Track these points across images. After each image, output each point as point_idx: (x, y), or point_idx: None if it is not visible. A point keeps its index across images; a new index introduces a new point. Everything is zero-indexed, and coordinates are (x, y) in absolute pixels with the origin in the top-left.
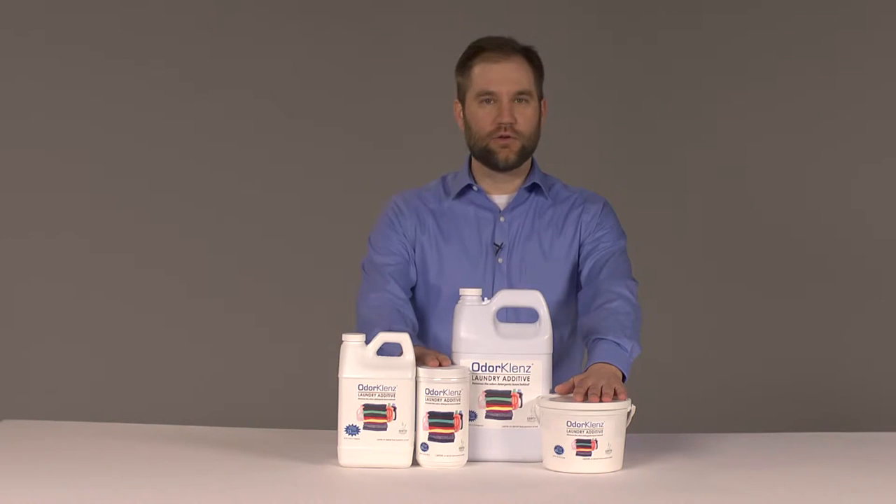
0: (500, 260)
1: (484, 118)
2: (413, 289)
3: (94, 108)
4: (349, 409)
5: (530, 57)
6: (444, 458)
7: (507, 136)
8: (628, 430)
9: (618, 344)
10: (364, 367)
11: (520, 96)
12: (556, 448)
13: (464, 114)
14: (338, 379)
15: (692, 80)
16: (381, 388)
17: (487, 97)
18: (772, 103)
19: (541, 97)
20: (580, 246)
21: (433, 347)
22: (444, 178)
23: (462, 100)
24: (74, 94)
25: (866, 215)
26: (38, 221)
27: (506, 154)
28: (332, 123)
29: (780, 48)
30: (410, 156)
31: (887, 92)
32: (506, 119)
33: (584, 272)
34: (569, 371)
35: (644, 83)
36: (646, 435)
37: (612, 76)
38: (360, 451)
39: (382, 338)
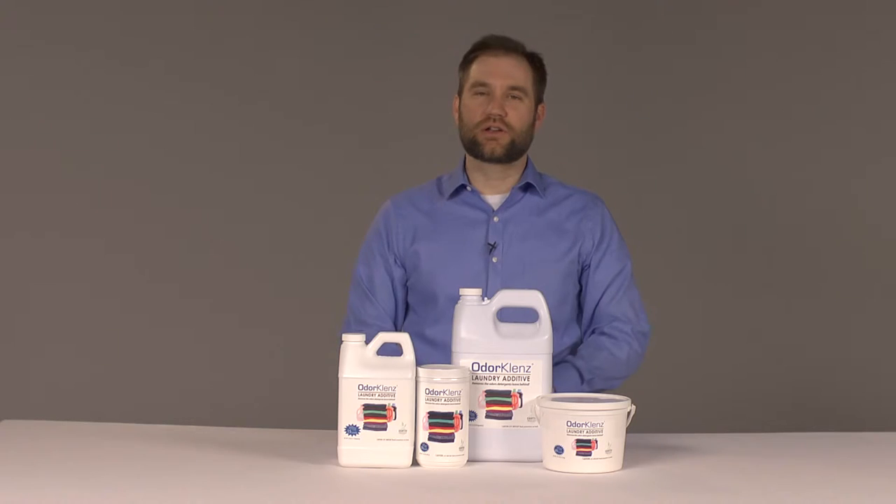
0: (494, 259)
1: (475, 109)
2: (407, 290)
3: (93, 108)
4: (349, 409)
5: (532, 59)
6: (444, 458)
7: (496, 130)
8: (628, 430)
9: (578, 372)
10: (364, 367)
11: (513, 91)
12: (556, 448)
13: (459, 107)
14: (338, 379)
15: (692, 80)
16: (381, 388)
17: (481, 89)
18: (772, 104)
19: (539, 101)
20: (579, 255)
21: (429, 349)
22: (439, 179)
23: (460, 94)
24: (74, 94)
25: (867, 215)
26: (36, 222)
27: (492, 147)
28: (330, 124)
29: (781, 48)
30: (409, 156)
31: (888, 92)
32: (495, 110)
33: (588, 299)
34: (565, 370)
35: (644, 84)
36: (646, 435)
37: (612, 77)
38: (360, 451)
39: (382, 338)
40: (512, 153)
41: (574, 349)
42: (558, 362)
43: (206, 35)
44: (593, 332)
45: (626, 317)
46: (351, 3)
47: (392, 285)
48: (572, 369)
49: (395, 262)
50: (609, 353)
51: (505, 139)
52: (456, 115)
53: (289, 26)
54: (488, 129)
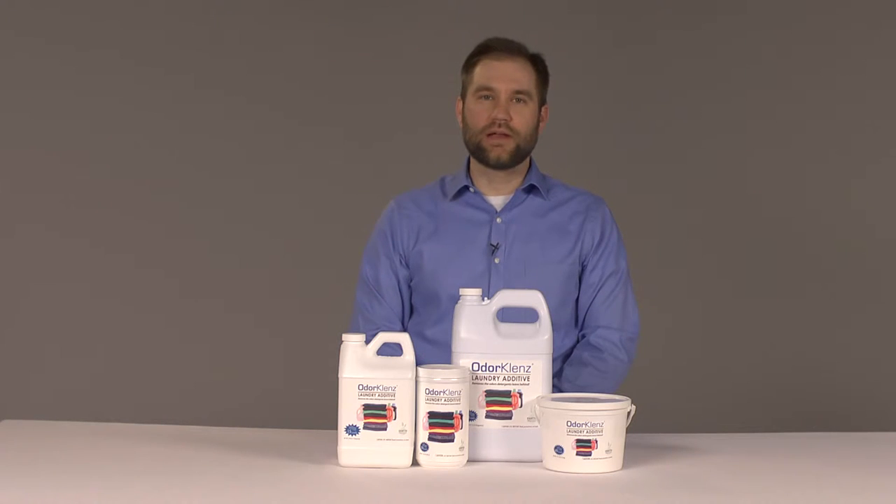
0: (496, 260)
1: (480, 113)
2: (411, 289)
3: (93, 108)
4: (349, 409)
5: (535, 62)
6: (444, 458)
7: (502, 135)
8: (628, 430)
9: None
10: (364, 367)
11: (518, 95)
12: (556, 448)
13: (463, 110)
14: (338, 379)
15: (692, 80)
16: (381, 388)
17: (486, 93)
18: (772, 104)
19: (542, 103)
20: (580, 255)
21: (431, 349)
22: (442, 180)
23: (464, 97)
24: (74, 94)
25: (866, 215)
26: (37, 222)
27: (498, 153)
28: (330, 124)
29: (780, 48)
30: (410, 156)
31: (887, 92)
32: (501, 115)
33: (581, 300)
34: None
35: (644, 83)
36: (646, 435)
37: (612, 77)
38: (360, 451)
39: (382, 338)
40: (517, 158)
41: (571, 353)
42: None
43: (207, 35)
44: (583, 336)
45: (614, 322)
46: (351, 3)
47: (398, 285)
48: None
49: (401, 262)
50: (594, 369)
51: (510, 145)
52: (459, 118)
53: (289, 26)
54: (493, 134)
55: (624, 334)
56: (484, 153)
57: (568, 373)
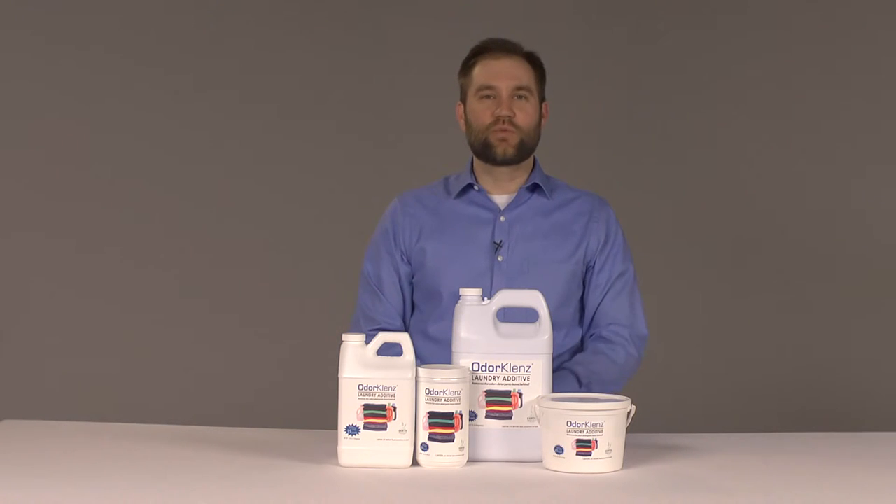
0: (499, 258)
1: (483, 112)
2: (413, 286)
3: (93, 108)
4: (349, 409)
5: (532, 59)
6: (444, 458)
7: (506, 130)
8: (628, 430)
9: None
10: (364, 367)
11: (519, 92)
12: (556, 448)
13: (465, 113)
14: (338, 379)
15: (693, 80)
16: (381, 388)
17: (487, 92)
18: (773, 104)
19: (542, 99)
20: (584, 256)
21: (433, 346)
22: (446, 179)
23: (464, 100)
24: (74, 94)
25: (866, 215)
26: (37, 222)
27: (504, 147)
28: (330, 123)
29: (781, 48)
30: (409, 156)
31: (888, 92)
32: (504, 112)
33: (589, 300)
34: (563, 377)
35: (644, 83)
36: (646, 435)
37: (612, 77)
38: (360, 451)
39: (382, 338)
40: (523, 153)
41: (575, 352)
42: (556, 369)
43: (207, 35)
44: (591, 335)
45: (624, 320)
46: (352, 3)
47: (399, 282)
48: (570, 375)
49: (402, 259)
50: (606, 358)
51: (515, 139)
52: (461, 122)
53: (290, 26)
54: (498, 130)
55: (634, 331)
56: (490, 149)
57: (581, 357)
